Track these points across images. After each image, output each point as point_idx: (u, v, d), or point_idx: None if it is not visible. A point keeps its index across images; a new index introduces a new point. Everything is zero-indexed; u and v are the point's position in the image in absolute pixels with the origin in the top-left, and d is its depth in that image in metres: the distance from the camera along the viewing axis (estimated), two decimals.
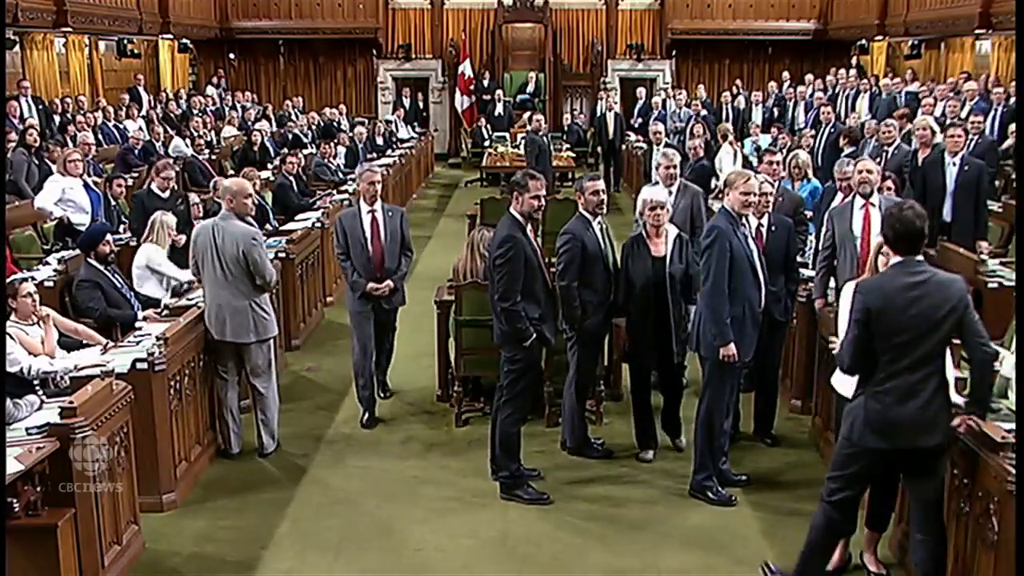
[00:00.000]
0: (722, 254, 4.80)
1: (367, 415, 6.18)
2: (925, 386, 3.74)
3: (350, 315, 6.22)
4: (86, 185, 8.41)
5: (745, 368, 5.44)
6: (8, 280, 5.84)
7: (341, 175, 12.10)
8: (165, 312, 6.01)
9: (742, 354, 4.91)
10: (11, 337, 4.86)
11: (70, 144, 10.31)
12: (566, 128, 18.21)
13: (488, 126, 17.69)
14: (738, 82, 17.45)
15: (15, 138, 10.13)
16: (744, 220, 5.01)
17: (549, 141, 13.34)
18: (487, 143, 16.81)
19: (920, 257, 3.79)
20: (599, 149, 16.64)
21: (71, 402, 4.10)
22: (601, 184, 5.48)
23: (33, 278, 6.40)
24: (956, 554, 3.95)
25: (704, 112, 14.42)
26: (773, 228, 5.56)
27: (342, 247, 6.08)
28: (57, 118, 12.19)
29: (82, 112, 12.71)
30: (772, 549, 4.64)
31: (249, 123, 14.98)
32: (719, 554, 4.62)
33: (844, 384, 4.24)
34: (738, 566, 4.52)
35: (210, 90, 17.59)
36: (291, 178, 10.31)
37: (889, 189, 6.24)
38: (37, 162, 9.68)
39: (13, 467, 3.77)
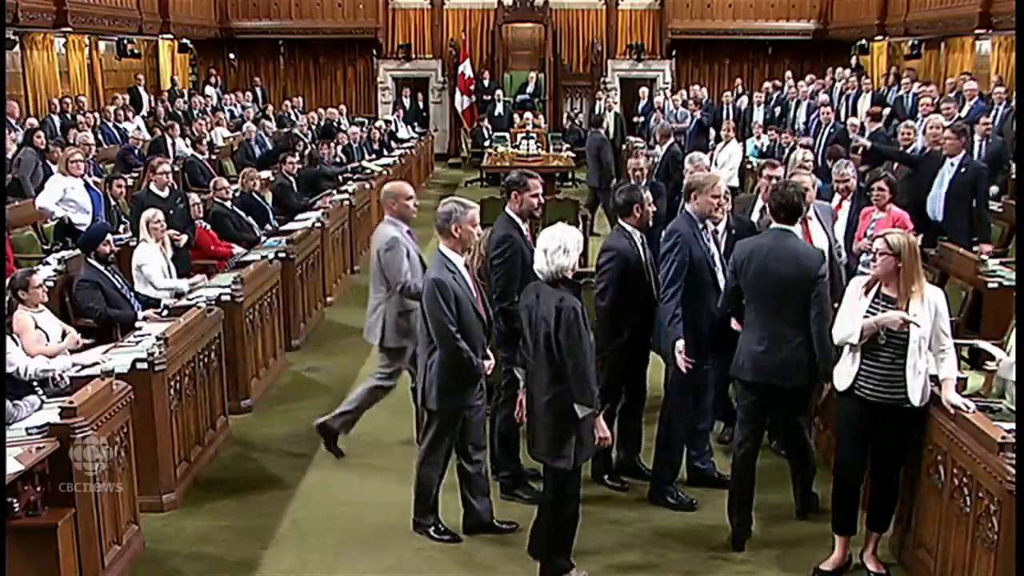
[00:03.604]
0: (682, 260, 4.78)
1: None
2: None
3: (445, 414, 4.59)
4: (87, 185, 8.42)
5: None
6: (24, 269, 5.89)
7: (341, 178, 12.07)
8: (165, 312, 6.01)
9: (700, 358, 4.87)
10: (11, 337, 4.89)
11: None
12: (566, 128, 18.23)
13: (488, 126, 17.69)
14: (738, 81, 17.45)
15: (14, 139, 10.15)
16: (706, 223, 4.96)
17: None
18: (487, 143, 16.80)
19: (793, 228, 4.54)
20: None
21: (71, 402, 4.10)
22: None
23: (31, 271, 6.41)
24: (956, 554, 3.95)
25: (699, 112, 14.37)
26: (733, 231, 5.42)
27: (457, 321, 4.42)
28: (56, 118, 12.19)
29: (82, 112, 12.71)
30: (772, 548, 4.64)
31: (248, 123, 14.97)
32: (720, 552, 4.61)
33: (840, 377, 4.26)
34: (739, 564, 4.53)
35: (209, 90, 17.59)
36: (291, 178, 10.32)
37: (881, 191, 6.17)
38: (40, 162, 9.70)
39: (13, 467, 3.77)
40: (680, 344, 4.78)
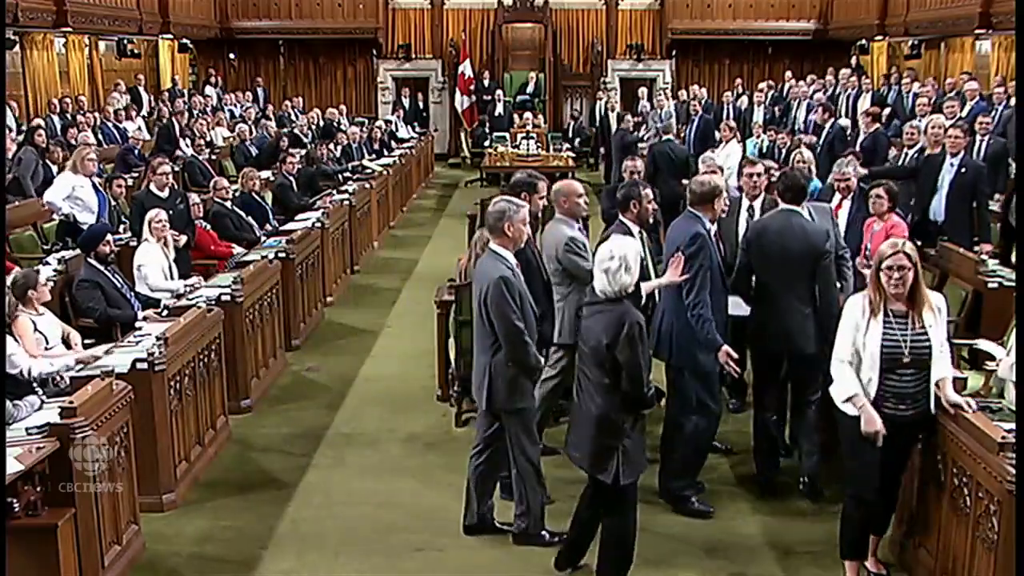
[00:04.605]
0: (707, 265, 4.72)
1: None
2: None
3: (521, 413, 4.51)
4: (95, 186, 8.45)
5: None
6: (25, 269, 5.89)
7: (340, 178, 12.09)
8: (165, 312, 6.01)
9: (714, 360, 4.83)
10: (12, 337, 4.89)
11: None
12: (567, 128, 18.23)
13: (488, 126, 17.70)
14: (738, 82, 17.45)
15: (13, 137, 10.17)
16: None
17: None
18: (487, 143, 16.80)
19: (799, 208, 5.00)
20: (601, 149, 16.62)
21: (71, 402, 4.10)
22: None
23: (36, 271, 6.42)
24: (956, 554, 3.95)
25: (698, 116, 14.36)
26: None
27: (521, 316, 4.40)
28: (56, 118, 12.20)
29: (82, 112, 12.72)
30: (774, 550, 4.65)
31: (249, 122, 14.99)
32: (721, 556, 4.61)
33: (839, 395, 4.13)
34: (741, 567, 4.52)
35: (209, 90, 17.60)
36: (291, 178, 10.32)
37: (879, 198, 6.12)
38: (40, 161, 9.72)
39: (13, 467, 3.77)
40: (728, 350, 4.73)
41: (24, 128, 11.14)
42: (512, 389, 4.44)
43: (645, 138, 13.23)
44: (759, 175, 6.03)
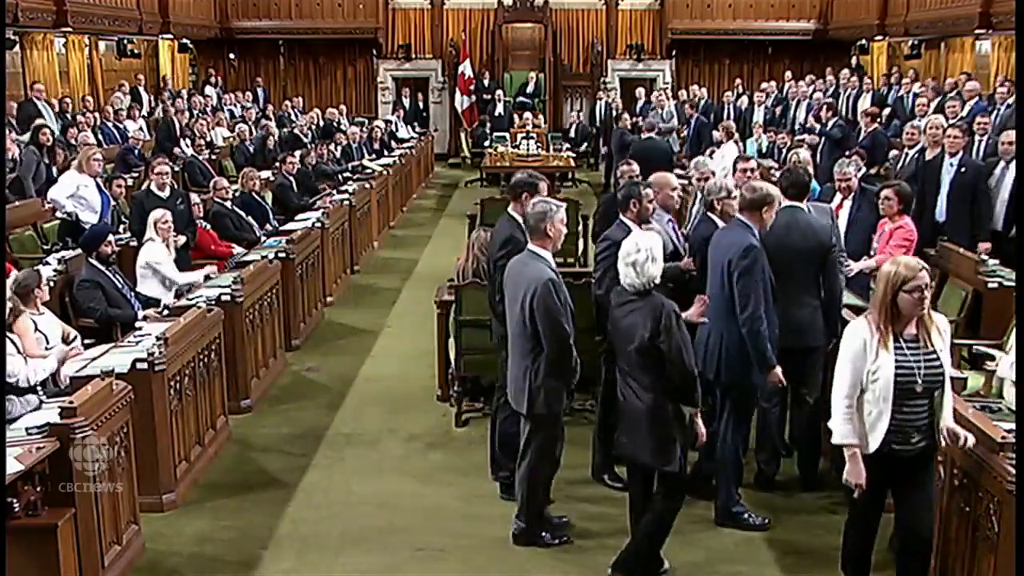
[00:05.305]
0: (761, 279, 4.56)
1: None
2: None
3: (553, 418, 4.50)
4: (99, 186, 8.46)
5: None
6: (26, 270, 5.89)
7: (340, 178, 12.09)
8: (165, 312, 6.01)
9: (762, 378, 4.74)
10: (12, 342, 4.89)
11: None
12: (570, 128, 18.23)
13: (489, 126, 17.71)
14: (738, 82, 17.46)
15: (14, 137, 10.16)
16: None
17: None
18: (487, 143, 16.79)
19: (802, 205, 5.08)
20: (603, 149, 16.60)
21: (71, 402, 4.10)
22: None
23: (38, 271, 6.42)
24: (956, 554, 3.95)
25: (695, 117, 14.37)
26: None
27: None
28: (56, 118, 12.21)
29: (83, 112, 12.73)
30: (773, 550, 4.64)
31: (249, 123, 15.00)
32: (721, 555, 4.61)
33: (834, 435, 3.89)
34: (741, 567, 4.52)
35: (209, 90, 17.60)
36: (291, 178, 10.32)
37: (888, 200, 6.07)
38: (48, 162, 9.73)
39: (13, 467, 3.77)
40: (779, 371, 4.65)
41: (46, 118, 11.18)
42: (549, 394, 4.39)
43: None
44: (752, 171, 6.05)
